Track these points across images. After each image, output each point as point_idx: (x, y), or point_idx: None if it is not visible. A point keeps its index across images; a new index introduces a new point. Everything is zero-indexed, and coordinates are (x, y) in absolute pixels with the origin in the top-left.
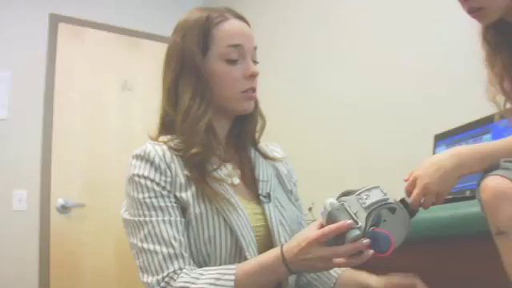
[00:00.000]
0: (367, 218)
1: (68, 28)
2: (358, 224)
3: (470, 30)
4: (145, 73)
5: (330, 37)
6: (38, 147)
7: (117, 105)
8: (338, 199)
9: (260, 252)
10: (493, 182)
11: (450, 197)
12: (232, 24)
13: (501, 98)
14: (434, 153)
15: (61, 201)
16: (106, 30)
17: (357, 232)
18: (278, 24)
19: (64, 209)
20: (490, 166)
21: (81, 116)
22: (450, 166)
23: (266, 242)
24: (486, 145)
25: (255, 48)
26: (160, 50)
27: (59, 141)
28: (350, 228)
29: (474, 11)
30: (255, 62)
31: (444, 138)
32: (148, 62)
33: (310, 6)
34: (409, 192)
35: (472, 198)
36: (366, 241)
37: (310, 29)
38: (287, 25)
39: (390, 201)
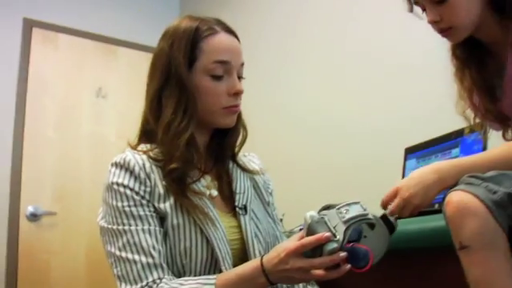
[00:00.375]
0: (345, 232)
1: (42, 33)
2: (336, 237)
3: (439, 45)
4: (120, 80)
5: (304, 53)
6: (8, 153)
7: (90, 112)
8: (318, 212)
9: (235, 265)
10: (456, 197)
11: None
12: (221, 38)
13: (470, 112)
14: (404, 166)
15: (30, 208)
16: (81, 37)
17: (334, 245)
18: (255, 36)
19: (34, 216)
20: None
21: (53, 123)
22: (431, 180)
23: (241, 255)
24: (465, 159)
25: (242, 64)
26: (136, 58)
27: (30, 147)
28: (328, 241)
29: (444, 31)
30: (241, 78)
31: (414, 152)
32: (123, 70)
33: (287, 20)
34: (385, 202)
35: (440, 211)
36: (343, 254)
37: (282, 46)
38: (261, 37)
39: (369, 216)
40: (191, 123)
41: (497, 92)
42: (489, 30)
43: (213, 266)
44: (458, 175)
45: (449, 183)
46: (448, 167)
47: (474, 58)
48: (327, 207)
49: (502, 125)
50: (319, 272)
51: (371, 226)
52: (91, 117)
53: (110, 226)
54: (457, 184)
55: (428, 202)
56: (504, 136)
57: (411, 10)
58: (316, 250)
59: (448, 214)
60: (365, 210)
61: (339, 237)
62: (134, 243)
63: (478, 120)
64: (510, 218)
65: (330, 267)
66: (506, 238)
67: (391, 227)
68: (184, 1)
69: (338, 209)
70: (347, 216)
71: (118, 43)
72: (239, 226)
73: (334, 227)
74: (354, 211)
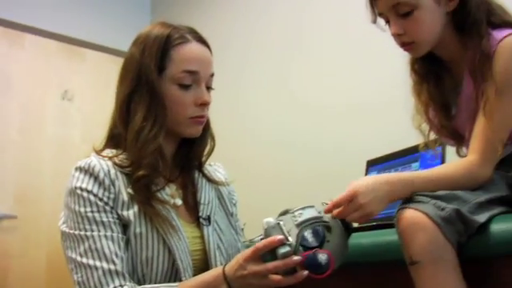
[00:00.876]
0: (298, 235)
1: (7, 32)
2: (288, 241)
3: (401, 59)
4: (87, 83)
5: (268, 64)
6: None
7: (55, 114)
8: (276, 218)
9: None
10: (406, 214)
11: (375, 223)
12: (191, 48)
13: (426, 127)
14: None
15: None
16: (49, 37)
17: (287, 248)
18: (220, 45)
19: None
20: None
21: (16, 124)
22: (384, 191)
23: (203, 265)
24: (415, 175)
25: (212, 75)
26: (104, 61)
27: None
28: (281, 244)
29: (406, 45)
30: (210, 89)
31: (375, 164)
32: (91, 73)
33: (252, 31)
34: (339, 203)
35: None
36: (296, 258)
37: (246, 57)
38: (227, 47)
39: (324, 219)
40: (161, 132)
41: (452, 109)
42: (448, 47)
43: (173, 276)
44: (406, 190)
45: (397, 196)
46: (399, 181)
47: (432, 74)
48: (284, 212)
49: (456, 141)
50: (275, 277)
51: (327, 228)
52: (56, 119)
53: (71, 231)
54: (406, 200)
55: (377, 213)
56: (458, 152)
57: (375, 22)
58: (274, 255)
59: (399, 230)
60: (319, 213)
61: (292, 240)
62: (96, 249)
63: (432, 134)
64: (459, 233)
65: (288, 273)
66: (455, 254)
67: (348, 228)
68: (155, 5)
69: (293, 213)
70: (300, 219)
71: (86, 46)
72: (202, 237)
73: (288, 231)
74: (308, 214)
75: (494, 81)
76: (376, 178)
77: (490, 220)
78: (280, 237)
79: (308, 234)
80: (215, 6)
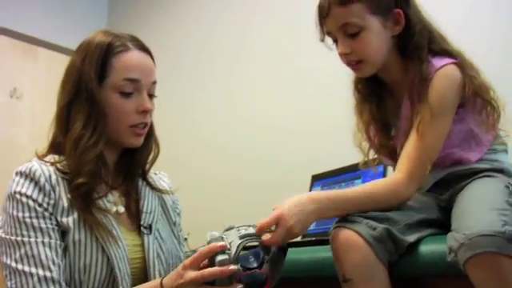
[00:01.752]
0: (238, 246)
1: None
2: (229, 250)
3: (348, 79)
4: (38, 82)
5: (222, 74)
6: None
7: (2, 113)
8: (221, 233)
9: (134, 285)
10: (340, 233)
11: (314, 238)
12: (132, 56)
13: (366, 145)
14: (310, 191)
15: None
16: (0, 33)
17: (224, 256)
18: (174, 50)
19: None
20: (342, 215)
21: None
22: (311, 210)
23: (142, 274)
24: (340, 193)
25: (154, 82)
26: (56, 60)
27: None
28: (220, 251)
29: (353, 64)
30: (152, 96)
31: (320, 179)
32: (42, 72)
33: (205, 40)
34: (265, 227)
35: None
36: (233, 267)
37: (198, 62)
38: (180, 53)
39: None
40: (101, 140)
41: (392, 130)
42: (392, 70)
43: (111, 284)
44: (333, 207)
45: (325, 214)
46: (325, 199)
47: (375, 94)
48: (230, 228)
49: (394, 161)
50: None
51: (266, 248)
52: (2, 118)
53: (7, 237)
54: (340, 219)
55: (305, 231)
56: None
57: (323, 40)
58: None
59: (333, 248)
60: None
61: (232, 250)
62: (33, 256)
63: (372, 152)
64: (390, 252)
65: (225, 284)
66: (386, 273)
67: (284, 249)
68: (112, 6)
69: (238, 228)
70: (243, 233)
71: (38, 43)
72: (142, 245)
73: (230, 243)
74: (252, 230)
75: (429, 104)
76: (300, 197)
77: (419, 241)
78: (221, 243)
79: (249, 256)
80: (172, 8)
